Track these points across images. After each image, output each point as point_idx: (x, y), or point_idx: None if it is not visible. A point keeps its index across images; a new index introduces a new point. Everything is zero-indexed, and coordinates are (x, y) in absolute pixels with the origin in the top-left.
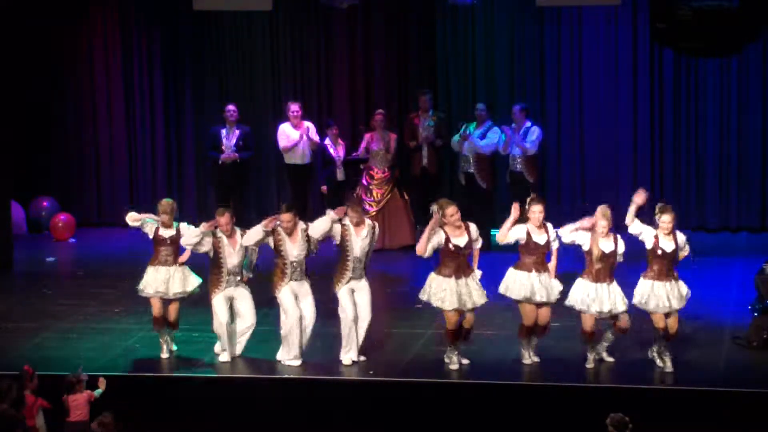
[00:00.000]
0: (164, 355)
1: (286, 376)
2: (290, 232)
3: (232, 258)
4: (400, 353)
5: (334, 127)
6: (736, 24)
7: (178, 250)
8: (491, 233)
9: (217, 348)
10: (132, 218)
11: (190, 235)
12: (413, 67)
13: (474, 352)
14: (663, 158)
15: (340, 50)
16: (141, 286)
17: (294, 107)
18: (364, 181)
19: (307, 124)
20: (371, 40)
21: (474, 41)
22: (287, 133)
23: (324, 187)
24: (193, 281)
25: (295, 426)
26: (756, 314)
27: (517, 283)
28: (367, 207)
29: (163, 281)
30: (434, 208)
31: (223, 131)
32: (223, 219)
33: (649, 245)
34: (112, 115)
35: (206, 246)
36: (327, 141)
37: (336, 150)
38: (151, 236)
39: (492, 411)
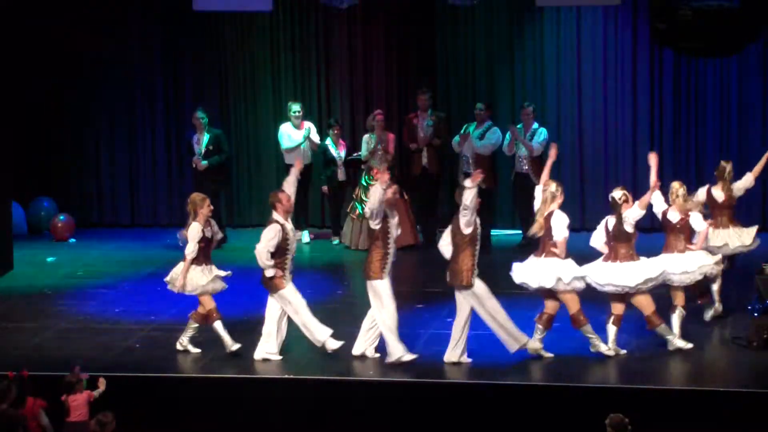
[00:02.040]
0: (195, 350)
1: (286, 376)
2: (393, 203)
3: (294, 242)
4: None
5: (335, 127)
6: (736, 24)
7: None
8: (490, 234)
9: (265, 352)
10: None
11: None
12: (413, 67)
13: (474, 352)
14: (663, 158)
15: (340, 50)
16: (196, 285)
17: (296, 107)
18: (364, 182)
19: (308, 124)
20: (371, 40)
21: (474, 41)
22: (289, 134)
23: (325, 188)
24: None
25: (295, 426)
26: (756, 314)
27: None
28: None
29: (216, 278)
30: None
31: (195, 137)
32: (285, 196)
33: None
34: (113, 115)
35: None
36: (328, 141)
37: (337, 150)
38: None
39: (492, 411)
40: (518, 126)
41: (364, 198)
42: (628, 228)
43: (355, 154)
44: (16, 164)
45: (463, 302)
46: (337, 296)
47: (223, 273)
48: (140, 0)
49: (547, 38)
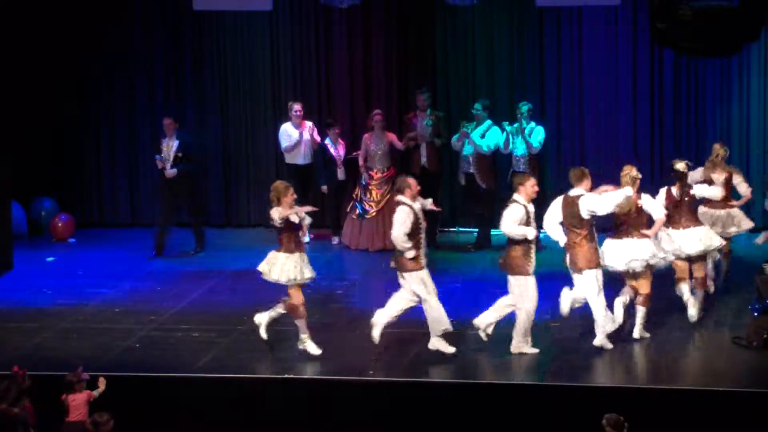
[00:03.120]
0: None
1: (286, 376)
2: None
3: (423, 221)
4: (400, 353)
5: (335, 127)
6: (736, 24)
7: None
8: (491, 233)
9: (440, 343)
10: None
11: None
12: (413, 67)
13: (473, 352)
14: (663, 158)
15: (340, 50)
16: (291, 276)
17: (297, 107)
18: (363, 182)
19: (309, 124)
20: (371, 40)
21: (474, 41)
22: (289, 133)
23: (324, 187)
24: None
25: (296, 426)
26: (756, 314)
27: None
28: (366, 207)
29: (305, 267)
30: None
31: (164, 141)
32: (413, 181)
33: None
34: (113, 115)
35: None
36: (327, 141)
37: (336, 149)
38: (280, 224)
39: (491, 411)
40: (515, 125)
41: (363, 198)
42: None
43: (354, 154)
44: (16, 164)
45: (590, 281)
46: (336, 296)
47: (309, 273)
48: (140, 0)
49: (547, 38)
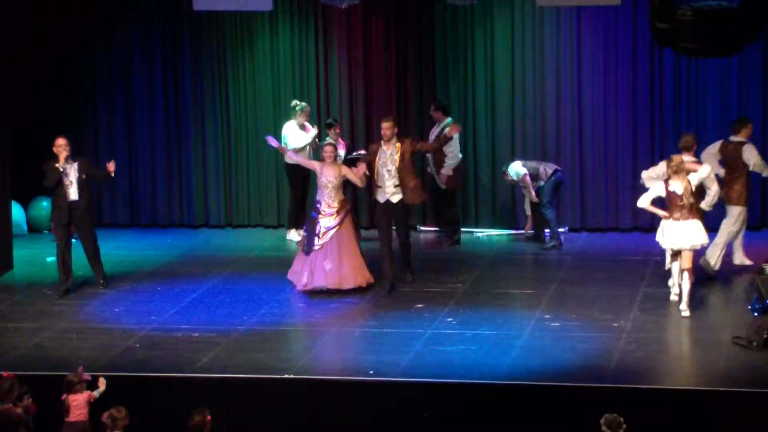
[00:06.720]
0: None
1: (286, 376)
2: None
3: None
4: (400, 353)
5: (335, 127)
6: (736, 24)
7: None
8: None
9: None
10: None
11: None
12: (413, 67)
13: (474, 352)
14: (663, 158)
15: (340, 50)
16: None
17: (307, 107)
18: (314, 213)
19: (308, 124)
20: (371, 40)
21: (474, 41)
22: (295, 134)
23: None
24: None
25: (296, 426)
26: (756, 314)
27: None
28: (314, 240)
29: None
30: None
31: (63, 168)
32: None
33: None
34: (112, 115)
35: None
36: (328, 140)
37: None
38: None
39: (491, 411)
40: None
41: (317, 225)
42: None
43: (355, 153)
44: (16, 164)
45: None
46: (336, 296)
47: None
48: (140, 0)
49: (547, 38)
